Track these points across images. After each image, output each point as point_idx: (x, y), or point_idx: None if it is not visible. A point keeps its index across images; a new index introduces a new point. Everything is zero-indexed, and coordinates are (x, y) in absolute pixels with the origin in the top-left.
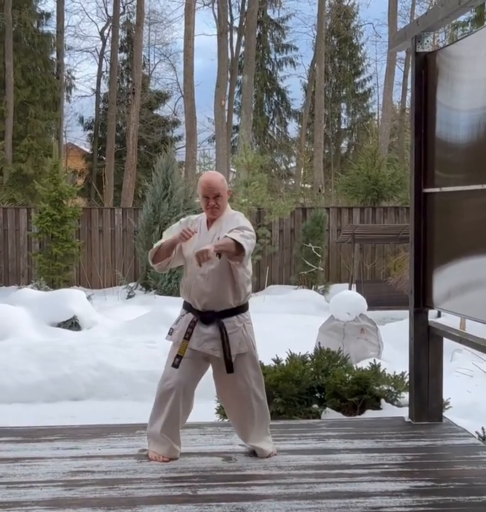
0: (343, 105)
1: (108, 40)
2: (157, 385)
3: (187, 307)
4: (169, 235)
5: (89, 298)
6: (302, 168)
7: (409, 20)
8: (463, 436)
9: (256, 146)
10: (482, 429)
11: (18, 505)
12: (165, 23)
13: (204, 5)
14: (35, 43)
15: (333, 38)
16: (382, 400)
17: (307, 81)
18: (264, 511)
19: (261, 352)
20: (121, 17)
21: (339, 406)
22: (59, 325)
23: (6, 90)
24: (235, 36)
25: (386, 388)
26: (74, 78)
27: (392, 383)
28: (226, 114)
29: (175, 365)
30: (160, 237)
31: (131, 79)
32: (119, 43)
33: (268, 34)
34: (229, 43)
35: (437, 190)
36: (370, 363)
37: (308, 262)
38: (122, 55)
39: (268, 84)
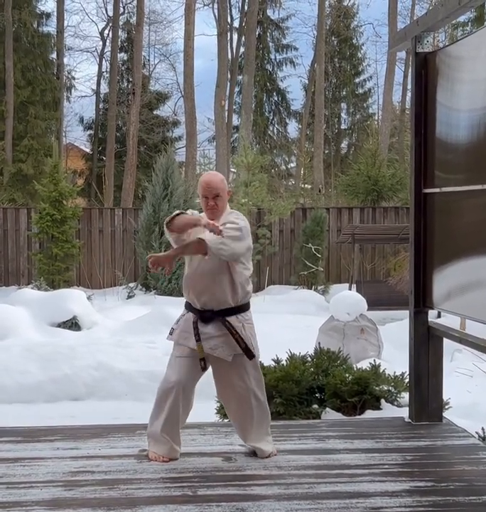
0: (343, 105)
1: (108, 41)
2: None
3: (188, 306)
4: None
5: (89, 298)
6: (302, 168)
7: (409, 20)
8: (463, 437)
9: (256, 146)
10: (482, 429)
11: (18, 506)
12: (165, 24)
13: (204, 5)
14: (35, 43)
15: (333, 38)
16: (382, 400)
17: (307, 81)
18: (264, 511)
19: (261, 352)
20: (121, 17)
21: (339, 406)
22: (59, 325)
23: (6, 90)
24: (235, 36)
25: (386, 388)
26: (74, 78)
27: (392, 383)
28: (226, 114)
29: (204, 368)
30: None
31: (131, 79)
32: (119, 43)
33: (268, 34)
34: (229, 43)
35: (437, 190)
36: (370, 363)
37: (308, 262)
38: (122, 56)
39: (268, 84)
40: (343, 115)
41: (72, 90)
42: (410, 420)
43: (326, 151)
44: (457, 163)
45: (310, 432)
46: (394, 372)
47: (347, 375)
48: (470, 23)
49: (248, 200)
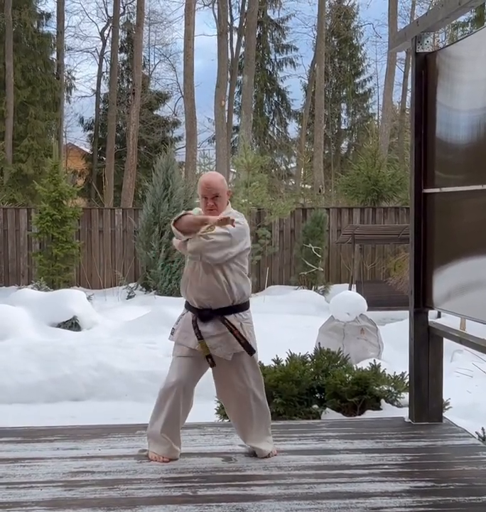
0: (343, 105)
1: (108, 41)
2: (160, 386)
3: (187, 306)
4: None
5: (89, 298)
6: (302, 168)
7: (409, 20)
8: (463, 437)
9: (256, 146)
10: (482, 429)
11: (18, 506)
12: (165, 24)
13: (205, 5)
14: (35, 44)
15: (333, 39)
16: (382, 401)
17: (307, 81)
18: (264, 511)
19: (261, 352)
20: (121, 17)
21: (339, 406)
22: (59, 325)
23: (6, 91)
24: (235, 37)
25: (386, 389)
26: (74, 79)
27: (392, 384)
28: (226, 114)
29: (213, 364)
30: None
31: (131, 79)
32: (119, 43)
33: (268, 34)
34: (229, 44)
35: (437, 190)
36: (370, 364)
37: (308, 263)
38: (122, 56)
39: (268, 84)
40: (343, 115)
41: (72, 90)
42: (410, 420)
43: (326, 152)
44: (457, 163)
45: (310, 432)
46: (394, 373)
47: (347, 375)
48: (470, 24)
49: (248, 201)
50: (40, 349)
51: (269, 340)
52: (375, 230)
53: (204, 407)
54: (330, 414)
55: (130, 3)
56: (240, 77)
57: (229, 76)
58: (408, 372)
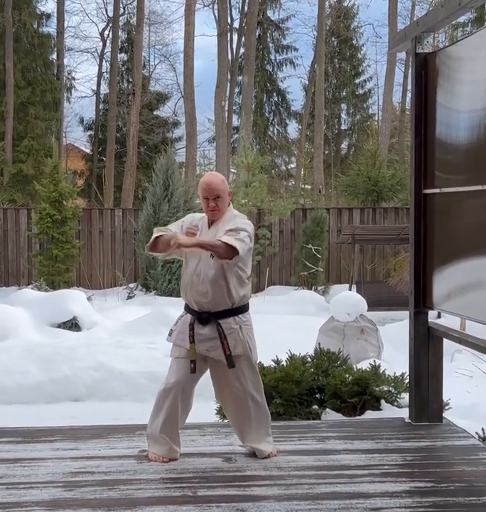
0: (343, 106)
1: (108, 41)
2: (159, 387)
3: (186, 308)
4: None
5: (89, 299)
6: (302, 168)
7: (409, 21)
8: (463, 437)
9: (256, 146)
10: (482, 429)
11: (18, 506)
12: (165, 24)
13: (205, 6)
14: (35, 44)
15: (333, 39)
16: (382, 401)
17: (307, 82)
18: None
19: (261, 353)
20: (121, 18)
21: (339, 407)
22: (59, 326)
23: (6, 91)
24: (235, 37)
25: (386, 389)
26: (74, 79)
27: (392, 384)
28: (226, 114)
29: (193, 371)
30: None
31: (131, 80)
32: (119, 43)
33: (268, 35)
34: (229, 44)
35: (437, 191)
36: (370, 364)
37: (308, 263)
38: (122, 56)
39: (268, 85)
40: (343, 116)
41: (72, 91)
42: (410, 421)
43: (326, 152)
44: (457, 163)
45: (310, 433)
46: (394, 373)
47: (347, 375)
48: (470, 24)
49: (248, 201)
50: (40, 349)
51: (269, 340)
52: (375, 230)
53: (204, 407)
54: (330, 415)
55: (130, 4)
56: (240, 78)
57: (229, 76)
58: (408, 373)
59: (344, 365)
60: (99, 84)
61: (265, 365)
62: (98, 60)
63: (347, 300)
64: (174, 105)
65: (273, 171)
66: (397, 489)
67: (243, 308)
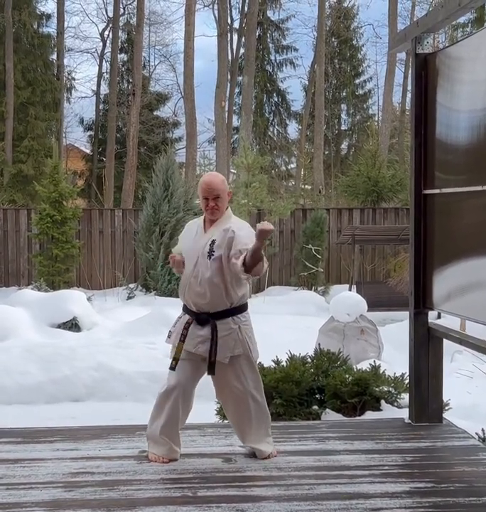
0: (343, 106)
1: (108, 41)
2: (159, 388)
3: (184, 308)
4: (177, 249)
5: (89, 299)
6: (302, 169)
7: (409, 21)
8: (463, 438)
9: (256, 147)
10: (482, 430)
11: (17, 507)
12: (166, 25)
13: (205, 6)
14: (35, 44)
15: (333, 39)
16: (382, 401)
17: (307, 82)
18: None
19: (261, 353)
20: (121, 18)
21: (339, 407)
22: (59, 326)
23: (6, 91)
24: (235, 37)
25: (386, 389)
26: (74, 79)
27: (392, 384)
28: (226, 115)
29: (172, 368)
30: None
31: (131, 80)
32: (119, 44)
33: (268, 35)
34: (229, 44)
35: (437, 191)
36: (370, 364)
37: (308, 263)
38: (122, 56)
39: (268, 85)
40: (343, 116)
41: (72, 91)
42: (410, 421)
43: (326, 152)
44: (457, 164)
45: (310, 433)
46: (394, 373)
47: (347, 376)
48: (470, 24)
49: (248, 201)
50: (40, 350)
51: (269, 340)
52: (375, 230)
53: (204, 407)
54: (330, 415)
55: (130, 4)
56: (240, 78)
57: (229, 77)
58: (408, 373)
59: (344, 366)
60: (99, 85)
61: (265, 365)
62: (98, 61)
63: (347, 300)
64: (174, 105)
65: (273, 171)
66: (397, 490)
67: (242, 308)
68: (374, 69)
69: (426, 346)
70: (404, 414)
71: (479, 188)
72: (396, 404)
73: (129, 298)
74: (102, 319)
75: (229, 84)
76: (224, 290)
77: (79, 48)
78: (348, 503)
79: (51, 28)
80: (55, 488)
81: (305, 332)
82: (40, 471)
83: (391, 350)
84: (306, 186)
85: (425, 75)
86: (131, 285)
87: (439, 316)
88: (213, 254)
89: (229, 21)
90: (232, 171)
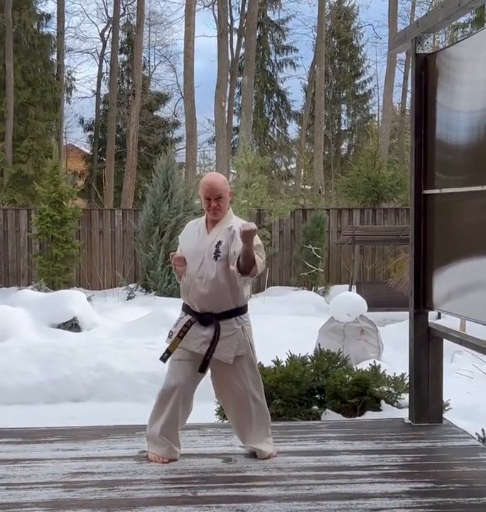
0: (343, 107)
1: (108, 42)
2: (158, 388)
3: (186, 309)
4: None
5: (89, 299)
6: (302, 169)
7: (409, 21)
8: (463, 438)
9: (256, 147)
10: (482, 430)
11: (17, 507)
12: (166, 25)
13: (205, 6)
14: (35, 45)
15: (333, 40)
16: (382, 402)
17: (307, 82)
18: None
19: (261, 353)
20: (121, 18)
21: (339, 407)
22: (59, 326)
23: (6, 91)
24: (235, 38)
25: (386, 389)
26: (74, 79)
27: (392, 384)
28: (226, 115)
29: (163, 359)
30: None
31: (131, 80)
32: (119, 44)
33: (268, 35)
34: (229, 45)
35: (437, 191)
36: (370, 365)
37: (308, 264)
38: (122, 57)
39: (268, 85)
40: (343, 116)
41: (73, 91)
42: (410, 421)
43: (326, 152)
44: (457, 164)
45: (310, 433)
46: (394, 374)
47: (347, 376)
48: (470, 25)
49: (248, 201)
50: (40, 350)
51: (269, 341)
52: (375, 231)
53: (204, 408)
54: (330, 415)
55: (130, 4)
56: (240, 78)
57: (229, 77)
58: (408, 373)
59: (344, 366)
60: (99, 85)
61: (265, 365)
62: (98, 61)
63: (347, 301)
64: (174, 106)
65: (273, 171)
66: (397, 490)
67: (244, 309)
68: (374, 69)
69: (426, 346)
70: (404, 414)
71: (479, 188)
72: (396, 404)
73: (129, 298)
74: (102, 319)
75: (229, 85)
76: (229, 290)
77: (79, 48)
78: (348, 503)
79: (51, 28)
80: (55, 488)
81: (305, 332)
82: (40, 471)
83: (391, 351)
84: (306, 186)
85: (425, 75)
86: (131, 285)
87: (439, 316)
88: (219, 255)
89: (229, 21)
90: (232, 171)
